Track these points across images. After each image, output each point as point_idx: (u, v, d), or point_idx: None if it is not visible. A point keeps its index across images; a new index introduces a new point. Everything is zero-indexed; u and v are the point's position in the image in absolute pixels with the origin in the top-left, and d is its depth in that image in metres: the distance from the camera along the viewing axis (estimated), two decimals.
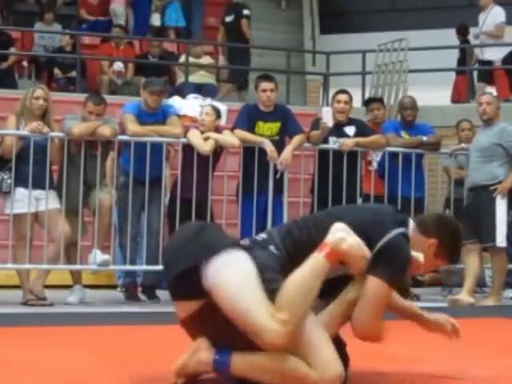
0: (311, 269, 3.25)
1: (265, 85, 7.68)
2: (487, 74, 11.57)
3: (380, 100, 9.20)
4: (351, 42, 13.32)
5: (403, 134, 8.24)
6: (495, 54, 11.45)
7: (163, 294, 7.66)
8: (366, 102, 9.10)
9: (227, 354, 3.33)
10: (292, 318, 3.18)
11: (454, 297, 7.66)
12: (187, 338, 3.46)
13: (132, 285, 7.66)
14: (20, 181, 6.95)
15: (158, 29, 13.31)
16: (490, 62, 11.58)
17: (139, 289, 7.78)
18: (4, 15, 13.11)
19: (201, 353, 3.35)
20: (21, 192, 6.97)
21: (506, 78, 11.77)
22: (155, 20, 13.32)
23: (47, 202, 6.97)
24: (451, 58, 12.50)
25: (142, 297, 7.58)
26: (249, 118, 7.65)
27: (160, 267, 7.56)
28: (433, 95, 11.61)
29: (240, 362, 3.31)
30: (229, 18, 12.62)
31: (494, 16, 11.64)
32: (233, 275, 3.23)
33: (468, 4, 15.34)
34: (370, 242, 3.36)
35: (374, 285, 3.37)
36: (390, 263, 3.37)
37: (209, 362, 3.35)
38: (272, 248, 3.40)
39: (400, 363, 4.15)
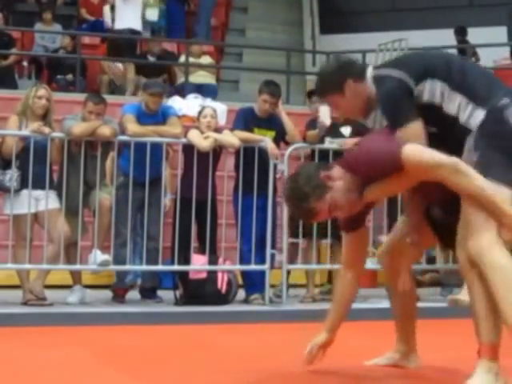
0: None
1: (267, 97, 7.62)
2: None
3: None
4: (351, 42, 13.30)
5: None
6: None
7: (163, 294, 7.65)
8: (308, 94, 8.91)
9: None
10: None
11: (454, 297, 7.63)
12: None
13: (119, 286, 7.57)
14: (27, 181, 6.93)
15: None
16: None
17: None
18: (4, 15, 13.08)
19: None
20: (26, 193, 6.96)
21: None
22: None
23: (47, 201, 6.96)
24: None
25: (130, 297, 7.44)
26: (245, 122, 7.62)
27: (159, 267, 7.59)
28: None
29: None
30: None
31: None
32: None
33: (468, 4, 15.34)
34: None
35: None
36: None
37: None
38: None
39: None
